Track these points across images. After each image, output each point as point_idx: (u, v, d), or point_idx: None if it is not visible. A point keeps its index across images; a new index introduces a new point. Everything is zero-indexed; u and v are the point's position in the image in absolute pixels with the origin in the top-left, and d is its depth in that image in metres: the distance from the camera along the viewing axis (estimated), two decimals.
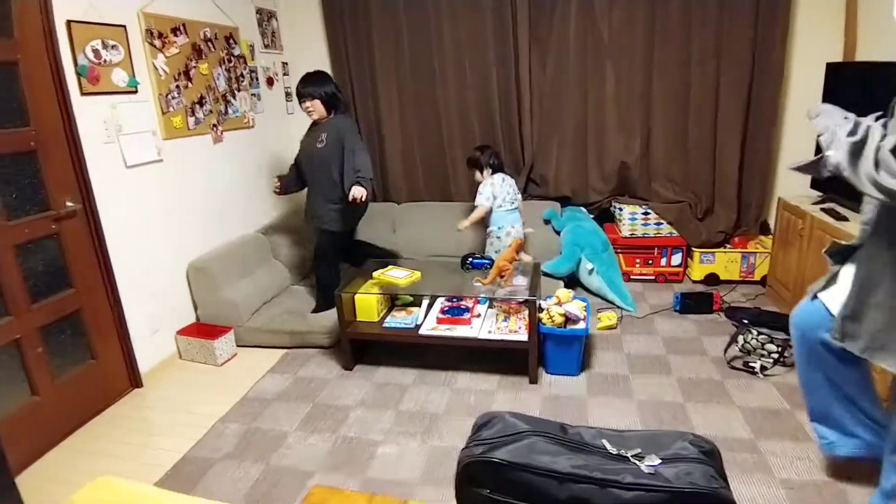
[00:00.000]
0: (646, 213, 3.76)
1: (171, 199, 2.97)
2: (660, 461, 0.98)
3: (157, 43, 2.85)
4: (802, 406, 2.23)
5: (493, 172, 3.38)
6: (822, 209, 2.85)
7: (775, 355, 2.59)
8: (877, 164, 1.22)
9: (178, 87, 2.99)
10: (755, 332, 2.65)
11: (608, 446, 1.01)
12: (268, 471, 2.12)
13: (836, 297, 1.67)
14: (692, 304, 3.26)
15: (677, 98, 3.63)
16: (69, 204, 2.42)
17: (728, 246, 3.70)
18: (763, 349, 2.61)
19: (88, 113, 2.48)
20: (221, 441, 2.32)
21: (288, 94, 4.15)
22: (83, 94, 2.45)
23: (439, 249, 3.75)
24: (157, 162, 2.88)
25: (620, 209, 3.85)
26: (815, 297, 1.77)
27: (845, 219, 2.67)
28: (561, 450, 1.01)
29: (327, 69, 4.04)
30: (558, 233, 3.73)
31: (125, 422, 2.52)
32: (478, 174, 3.41)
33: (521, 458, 0.99)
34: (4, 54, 2.16)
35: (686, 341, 2.97)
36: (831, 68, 3.07)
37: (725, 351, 2.74)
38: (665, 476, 0.94)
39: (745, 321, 2.72)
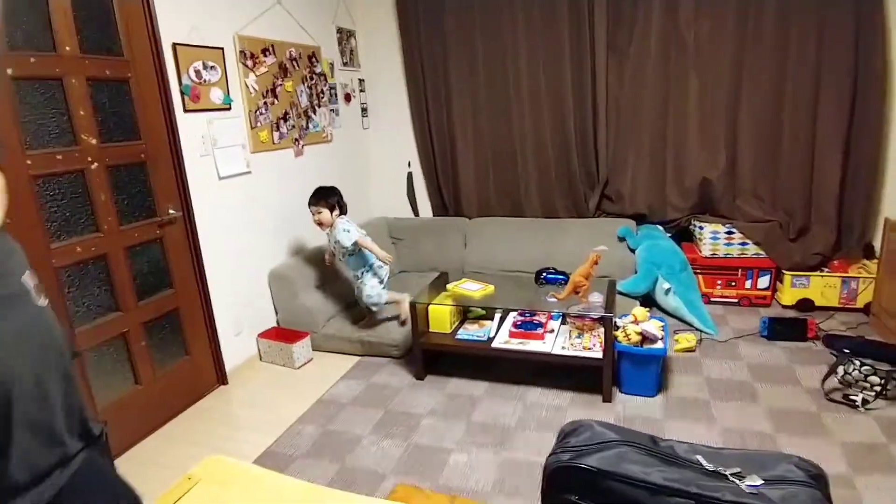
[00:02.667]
0: (729, 233, 3.58)
1: (257, 209, 3.16)
2: (762, 482, 0.93)
3: (249, 63, 3.06)
4: None
5: (340, 215, 3.07)
6: None
7: (878, 388, 2.39)
8: None
9: (265, 103, 3.19)
10: (858, 363, 2.44)
11: (704, 462, 0.97)
12: (343, 470, 2.18)
13: None
14: (782, 330, 3.05)
15: (769, 109, 3.44)
16: (171, 211, 2.63)
17: (826, 269, 3.43)
18: (866, 381, 2.40)
19: (189, 128, 2.70)
20: (299, 440, 2.41)
21: (364, 110, 4.32)
22: (186, 111, 2.67)
23: (510, 264, 3.74)
24: (246, 174, 3.07)
25: (701, 227, 3.69)
26: None
27: None
28: (653, 461, 0.98)
29: (402, 85, 4.18)
30: (633, 251, 3.63)
31: (212, 415, 2.68)
32: (326, 213, 3.00)
33: (611, 467, 0.96)
34: (117, 72, 2.38)
35: (776, 369, 2.78)
36: None
37: (823, 381, 2.53)
38: (769, 497, 0.89)
39: (847, 351, 2.51)
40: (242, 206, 3.06)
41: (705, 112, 3.58)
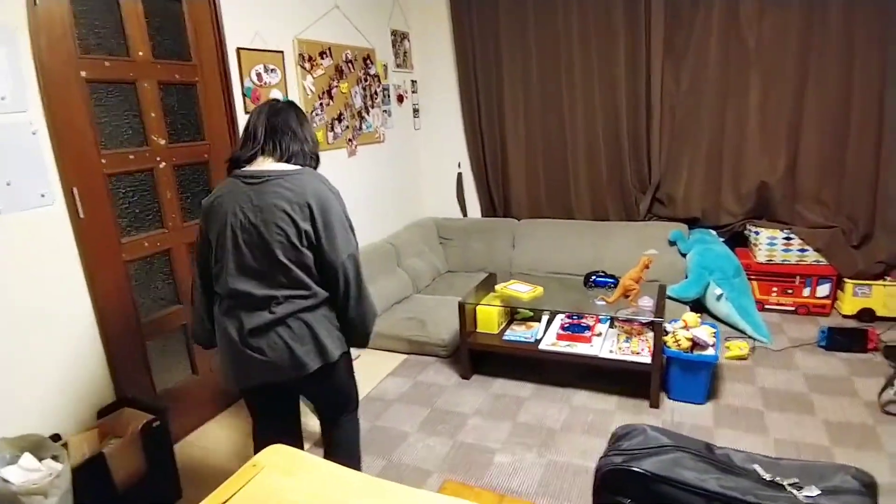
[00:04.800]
0: (787, 238, 3.47)
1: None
2: (819, 492, 0.93)
3: (307, 65, 3.17)
4: None
5: None
6: None
7: None
8: None
9: (321, 104, 3.29)
10: None
11: (761, 472, 0.98)
12: (389, 466, 2.25)
13: None
14: (842, 340, 2.94)
15: (834, 112, 3.32)
16: None
17: (888, 278, 3.29)
18: None
19: None
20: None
21: (416, 111, 4.39)
22: (246, 112, 2.75)
23: (558, 266, 3.74)
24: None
25: (757, 233, 3.59)
26: None
27: None
28: (709, 468, 0.99)
29: (454, 86, 4.22)
30: (684, 255, 3.56)
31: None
32: None
33: (665, 472, 0.98)
34: (185, 76, 2.49)
35: (834, 380, 2.69)
36: None
37: (880, 394, 2.45)
38: None
39: None
40: None
41: (766, 115, 3.48)
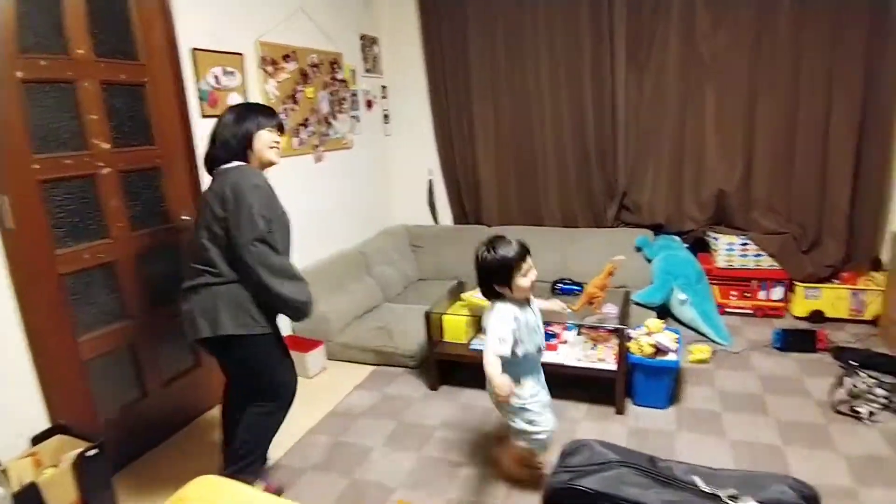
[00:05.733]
0: (744, 244, 3.59)
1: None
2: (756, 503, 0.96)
3: (270, 69, 3.10)
4: None
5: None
6: None
7: (884, 400, 2.42)
8: None
9: (285, 109, 3.23)
10: (864, 375, 2.47)
11: (700, 483, 1.01)
12: (353, 484, 2.22)
13: None
14: (794, 341, 3.06)
15: (783, 122, 3.47)
16: (184, 217, 2.57)
17: (836, 281, 3.44)
18: (871, 394, 2.43)
19: (206, 134, 2.68)
20: (310, 451, 2.44)
21: (386, 117, 4.37)
22: (203, 116, 2.65)
23: None
24: None
25: (716, 239, 3.70)
26: None
27: None
28: (650, 483, 1.02)
29: (425, 92, 4.22)
30: (650, 261, 3.65)
31: (216, 430, 2.57)
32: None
33: (608, 489, 1.01)
34: (132, 76, 2.37)
35: (786, 381, 2.79)
36: None
37: (830, 393, 2.55)
38: None
39: (854, 363, 2.54)
40: None
41: (722, 125, 3.61)
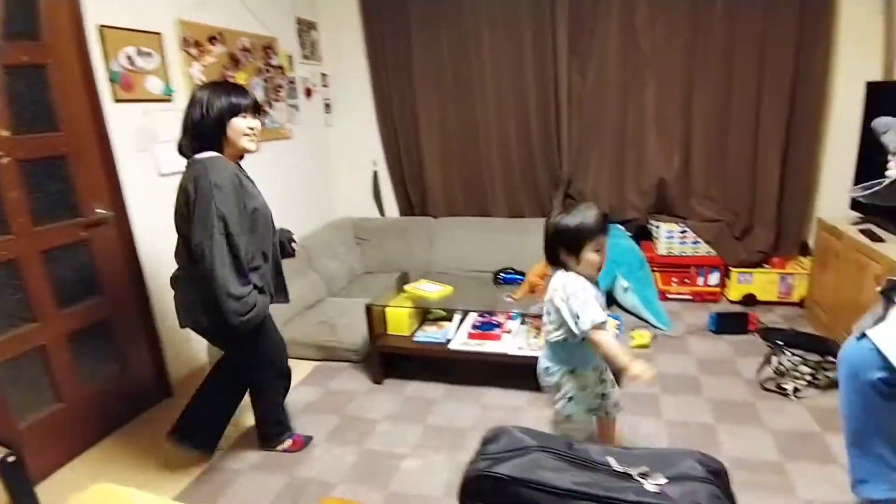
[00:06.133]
0: (683, 232, 3.69)
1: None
2: (666, 480, 0.98)
3: (194, 51, 2.93)
4: (832, 429, 2.24)
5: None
6: (860, 230, 2.76)
7: (808, 377, 2.54)
8: None
9: None
10: (789, 354, 2.59)
11: (614, 464, 1.02)
12: (291, 483, 2.16)
13: (887, 336, 1.59)
14: (727, 324, 3.17)
15: (718, 114, 3.57)
16: (99, 211, 2.43)
17: (767, 266, 3.60)
18: (796, 370, 2.55)
19: (122, 120, 2.50)
20: (249, 453, 2.35)
21: (327, 106, 4.25)
22: (116, 100, 2.49)
23: (476, 264, 3.77)
24: None
25: (657, 227, 3.79)
26: (862, 335, 1.66)
27: (881, 240, 2.60)
28: (565, 466, 1.02)
29: (367, 80, 4.12)
30: None
31: (152, 432, 2.49)
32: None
33: (523, 474, 1.00)
34: (31, 57, 2.17)
35: (720, 362, 2.89)
36: (871, 87, 3.00)
37: (758, 372, 2.67)
38: (669, 495, 0.94)
39: (780, 342, 2.66)
40: None
41: (661, 116, 3.68)
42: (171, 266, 2.83)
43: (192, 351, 3.00)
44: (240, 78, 3.29)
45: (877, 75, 3.19)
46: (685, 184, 3.76)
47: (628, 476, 0.99)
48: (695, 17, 3.45)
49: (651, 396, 2.63)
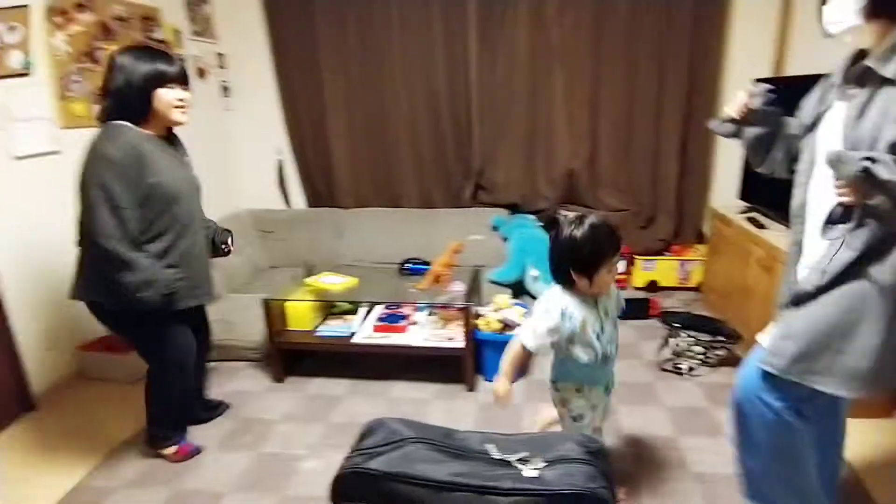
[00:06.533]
0: None
1: (71, 196, 2.75)
2: (544, 464, 0.93)
3: (59, 20, 2.61)
4: (721, 403, 2.35)
5: None
6: (747, 218, 2.92)
7: (701, 357, 2.67)
8: None
9: (79, 69, 2.74)
10: (684, 335, 2.71)
11: (493, 451, 0.96)
12: (173, 496, 1.97)
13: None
14: (632, 309, 3.24)
15: (622, 107, 3.66)
16: None
17: (668, 254, 3.76)
18: (690, 351, 2.68)
19: None
20: (124, 468, 2.13)
21: (225, 89, 3.94)
22: None
23: (386, 256, 3.64)
24: (54, 154, 2.61)
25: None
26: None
27: (764, 227, 2.76)
28: (441, 457, 0.95)
29: (269, 63, 3.86)
30: (506, 240, 3.70)
31: (10, 451, 2.24)
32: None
33: (396, 468, 0.92)
34: None
35: (624, 346, 2.89)
36: (760, 83, 3.15)
37: (658, 354, 2.77)
38: (546, 479, 0.90)
39: (676, 325, 2.78)
40: (52, 192, 2.54)
41: (570, 106, 3.72)
42: (32, 263, 2.53)
43: (55, 361, 2.68)
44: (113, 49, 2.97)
45: (766, 72, 3.39)
46: (593, 174, 3.85)
47: (507, 463, 0.93)
48: (600, 14, 3.51)
49: None
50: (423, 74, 3.76)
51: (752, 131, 1.55)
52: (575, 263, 1.53)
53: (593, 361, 1.61)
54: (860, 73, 1.26)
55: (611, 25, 3.52)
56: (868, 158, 1.09)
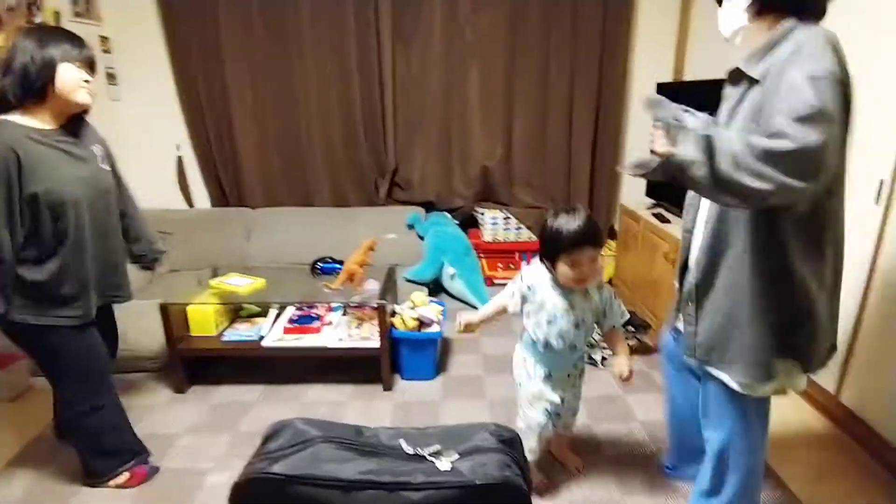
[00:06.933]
0: (507, 218, 3.84)
1: None
2: (458, 456, 0.90)
3: None
4: (633, 391, 2.48)
5: None
6: (653, 214, 3.09)
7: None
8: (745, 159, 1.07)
9: None
10: (596, 327, 2.78)
11: (405, 446, 0.92)
12: None
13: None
14: None
15: (537, 107, 3.74)
16: None
17: None
18: (603, 342, 2.75)
19: None
20: (3, 493, 1.91)
21: (111, 76, 3.57)
22: None
23: (298, 257, 3.48)
24: None
25: (482, 214, 3.90)
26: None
27: (668, 221, 2.92)
28: (350, 455, 0.89)
29: (163, 49, 3.56)
30: (422, 238, 3.68)
31: None
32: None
33: (301, 470, 0.86)
34: None
35: None
36: (661, 87, 3.36)
37: None
38: (460, 471, 0.87)
39: None
40: None
41: (484, 104, 3.76)
42: None
43: None
44: None
45: (668, 77, 3.61)
46: (508, 172, 3.91)
47: (420, 457, 0.90)
48: (514, 13, 3.56)
49: (476, 378, 2.65)
50: (335, 67, 3.64)
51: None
52: (542, 248, 1.69)
53: (538, 342, 1.74)
54: (733, 75, 1.30)
55: (524, 25, 3.59)
56: (686, 110, 1.15)
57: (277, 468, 0.86)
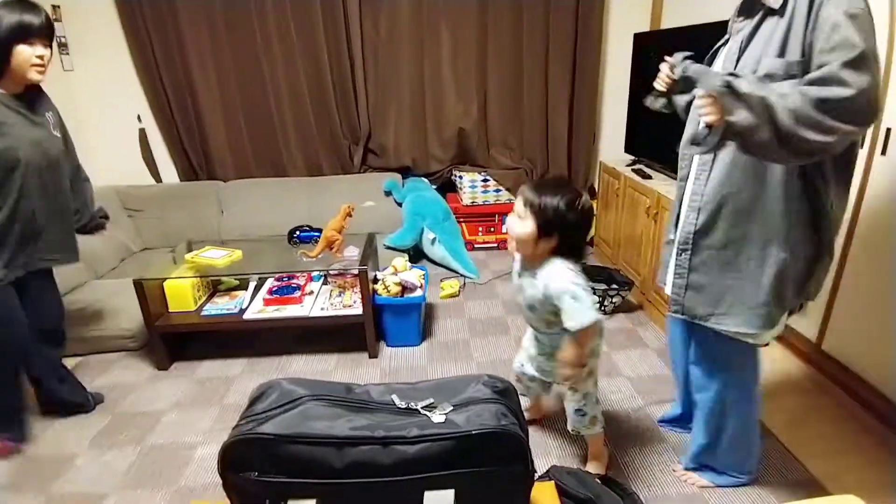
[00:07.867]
0: (485, 181, 3.79)
1: None
2: (451, 408, 0.88)
3: None
4: (618, 347, 2.51)
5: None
6: (633, 170, 3.07)
7: (596, 304, 2.74)
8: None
9: None
10: None
11: (397, 401, 0.89)
12: (47, 501, 1.74)
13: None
14: None
15: (510, 63, 3.65)
16: None
17: None
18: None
19: None
20: None
21: (62, 45, 3.37)
22: None
23: (274, 228, 3.41)
24: None
25: (461, 177, 3.85)
26: None
27: (650, 177, 2.91)
28: (341, 412, 0.87)
29: (114, 15, 3.36)
30: (400, 204, 3.63)
31: None
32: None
33: (290, 429, 0.83)
34: None
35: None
36: (638, 38, 3.30)
37: None
38: (455, 422, 0.85)
39: None
40: None
41: (457, 65, 3.67)
42: None
43: None
44: None
45: (645, 27, 3.53)
46: (484, 133, 3.85)
47: (413, 411, 0.87)
48: None
49: (462, 342, 2.65)
50: (301, 31, 3.50)
51: (680, 99, 1.55)
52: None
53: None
54: (748, 4, 1.27)
55: None
56: (731, 74, 1.12)
57: (266, 428, 0.83)
